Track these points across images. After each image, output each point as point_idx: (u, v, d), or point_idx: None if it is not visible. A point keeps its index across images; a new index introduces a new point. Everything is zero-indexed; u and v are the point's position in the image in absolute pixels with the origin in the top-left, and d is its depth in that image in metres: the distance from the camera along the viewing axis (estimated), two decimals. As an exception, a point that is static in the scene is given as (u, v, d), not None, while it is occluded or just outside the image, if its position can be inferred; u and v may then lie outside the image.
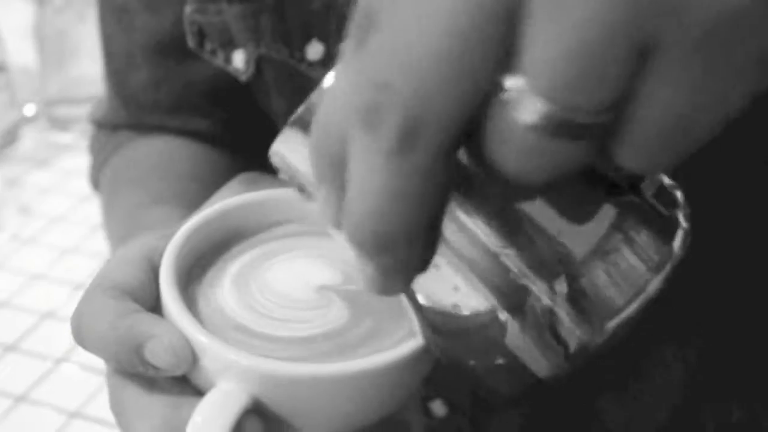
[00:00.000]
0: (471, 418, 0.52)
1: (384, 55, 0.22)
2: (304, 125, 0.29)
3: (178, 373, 0.33)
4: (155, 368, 0.33)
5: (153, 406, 0.33)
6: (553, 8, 0.20)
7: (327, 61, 0.48)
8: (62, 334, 1.01)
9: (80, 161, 0.83)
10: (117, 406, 0.35)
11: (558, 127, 0.21)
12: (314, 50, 0.48)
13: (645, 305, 0.26)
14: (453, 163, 0.23)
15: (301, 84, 0.49)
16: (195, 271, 0.36)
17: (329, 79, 0.27)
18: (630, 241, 0.26)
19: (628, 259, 0.26)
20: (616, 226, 0.26)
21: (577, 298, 0.26)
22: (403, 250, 0.24)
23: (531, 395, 0.48)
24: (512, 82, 0.21)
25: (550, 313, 0.26)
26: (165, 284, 0.34)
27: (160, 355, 0.32)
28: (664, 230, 0.27)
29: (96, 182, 0.64)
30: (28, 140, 1.23)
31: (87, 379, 0.96)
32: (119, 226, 0.53)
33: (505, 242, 0.26)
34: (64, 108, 1.22)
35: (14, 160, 1.19)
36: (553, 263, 0.26)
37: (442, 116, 0.21)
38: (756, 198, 0.43)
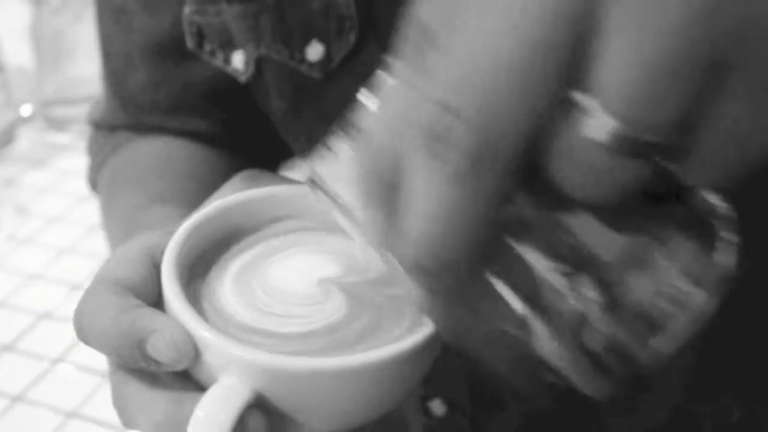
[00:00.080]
0: (470, 417, 0.52)
1: (448, 74, 0.21)
2: (346, 147, 0.28)
3: (180, 368, 0.33)
4: (157, 363, 0.33)
5: (155, 401, 0.33)
6: (631, 21, 0.19)
7: (327, 62, 0.48)
8: (59, 335, 1.02)
9: (77, 161, 0.83)
10: (119, 402, 0.35)
11: (627, 145, 0.20)
12: (314, 51, 0.48)
13: (694, 322, 0.25)
14: (515, 182, 0.22)
15: (300, 84, 0.49)
16: (196, 267, 0.37)
17: (371, 99, 0.26)
18: (675, 256, 0.25)
19: (672, 273, 0.25)
20: (663, 240, 0.25)
21: (623, 314, 0.25)
22: (461, 272, 0.23)
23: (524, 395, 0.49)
24: (581, 99, 0.20)
25: (603, 332, 0.25)
26: (167, 280, 0.34)
27: (162, 350, 0.32)
28: (712, 243, 0.25)
29: (94, 183, 0.64)
30: (25, 140, 1.23)
31: (84, 379, 0.96)
32: (119, 226, 0.53)
33: (550, 258, 0.25)
34: (61, 108, 1.22)
35: (11, 161, 1.20)
36: (598, 280, 0.25)
37: (511, 136, 0.21)
38: (756, 198, 0.43)
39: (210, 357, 0.32)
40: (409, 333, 0.33)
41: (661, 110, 0.20)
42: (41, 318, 1.01)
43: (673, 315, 0.25)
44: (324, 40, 0.47)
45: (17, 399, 0.92)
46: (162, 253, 0.36)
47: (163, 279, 0.34)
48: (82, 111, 0.73)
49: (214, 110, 0.59)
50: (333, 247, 0.38)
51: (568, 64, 0.20)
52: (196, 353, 0.32)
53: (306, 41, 0.48)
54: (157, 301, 0.35)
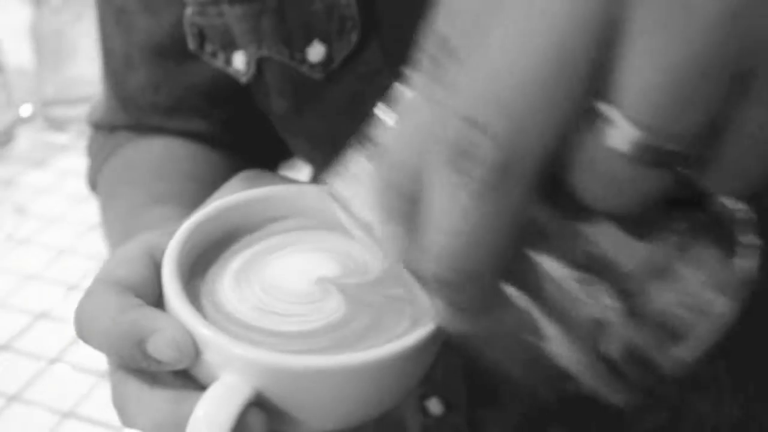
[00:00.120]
0: (467, 416, 0.52)
1: (471, 88, 0.21)
2: (364, 162, 0.28)
3: (181, 367, 0.33)
4: (158, 362, 0.33)
5: (155, 400, 0.33)
6: (655, 26, 0.19)
7: (328, 63, 0.48)
8: (56, 335, 1.02)
9: (76, 162, 0.83)
10: (119, 402, 0.35)
11: (649, 155, 0.20)
12: (315, 51, 0.48)
13: (717, 329, 0.25)
14: (536, 193, 0.22)
15: (301, 85, 0.50)
16: (197, 267, 0.37)
17: (389, 114, 0.26)
18: (698, 263, 0.25)
19: (695, 280, 0.25)
20: (684, 247, 0.25)
21: (644, 323, 0.25)
22: (485, 286, 0.23)
23: (529, 394, 0.49)
24: (604, 109, 0.20)
25: (625, 340, 0.25)
26: (168, 279, 0.34)
27: (162, 349, 0.32)
28: (733, 248, 0.25)
29: (94, 184, 0.64)
30: (24, 140, 1.23)
31: (80, 379, 0.96)
32: (119, 227, 0.53)
33: (569, 266, 0.25)
34: (61, 108, 1.22)
35: (10, 161, 1.19)
36: (620, 288, 0.25)
37: (537, 150, 0.21)
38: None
39: (211, 356, 0.32)
40: (410, 331, 0.33)
41: (686, 118, 0.20)
42: (38, 318, 1.01)
43: (695, 323, 0.25)
44: (325, 40, 0.47)
45: (13, 398, 0.91)
46: (162, 253, 0.36)
47: (164, 278, 0.35)
48: (81, 111, 0.73)
49: (214, 111, 0.59)
50: (332, 246, 0.38)
51: (593, 74, 0.20)
52: (197, 352, 0.32)
53: (307, 42, 0.48)
54: (157, 301, 0.35)
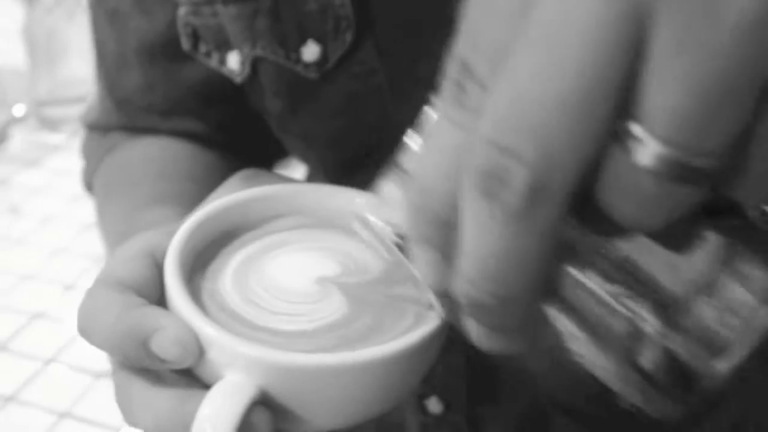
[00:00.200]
0: (467, 415, 0.52)
1: (498, 113, 0.21)
2: (393, 188, 0.28)
3: (185, 365, 0.33)
4: (162, 361, 0.33)
5: (159, 399, 0.33)
6: (681, 42, 0.19)
7: (323, 62, 0.48)
8: (52, 335, 1.02)
9: (70, 161, 0.83)
10: (123, 401, 0.35)
11: (677, 171, 0.20)
12: (310, 51, 0.48)
13: (758, 339, 0.24)
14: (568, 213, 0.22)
15: (296, 84, 0.50)
16: (198, 266, 0.37)
17: (416, 139, 0.26)
18: (737, 272, 0.24)
19: (736, 291, 0.24)
20: (722, 257, 0.24)
21: (684, 335, 0.24)
22: (521, 307, 0.23)
23: (532, 394, 0.49)
24: (630, 126, 0.20)
25: (663, 353, 0.25)
26: (170, 278, 0.34)
27: (166, 347, 0.32)
28: None
29: (89, 184, 0.64)
30: (18, 140, 1.22)
31: (77, 379, 0.96)
32: (116, 227, 0.53)
33: (609, 284, 0.25)
34: (54, 108, 1.22)
35: (3, 161, 1.19)
36: (658, 301, 0.24)
37: (568, 174, 0.21)
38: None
39: (214, 354, 0.32)
40: (413, 329, 0.34)
41: (714, 133, 0.19)
42: (34, 318, 1.01)
43: (737, 336, 0.24)
44: (320, 40, 0.47)
45: (10, 399, 0.91)
46: (163, 252, 0.36)
47: (166, 278, 0.35)
48: (75, 111, 0.73)
49: (208, 111, 0.59)
50: (332, 245, 0.39)
51: (620, 95, 0.20)
52: (201, 351, 0.33)
53: (302, 42, 0.48)
54: (159, 301, 0.35)
